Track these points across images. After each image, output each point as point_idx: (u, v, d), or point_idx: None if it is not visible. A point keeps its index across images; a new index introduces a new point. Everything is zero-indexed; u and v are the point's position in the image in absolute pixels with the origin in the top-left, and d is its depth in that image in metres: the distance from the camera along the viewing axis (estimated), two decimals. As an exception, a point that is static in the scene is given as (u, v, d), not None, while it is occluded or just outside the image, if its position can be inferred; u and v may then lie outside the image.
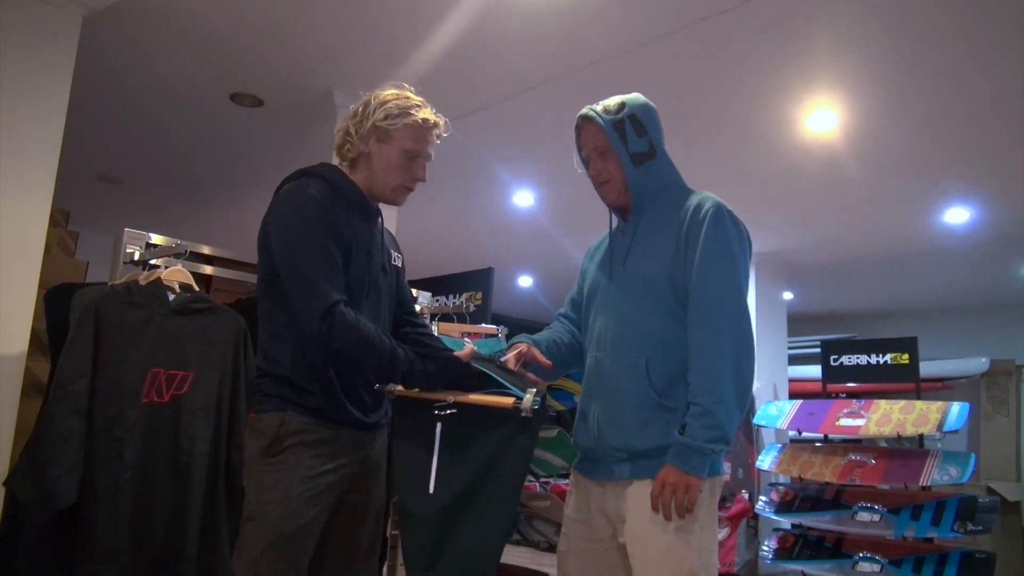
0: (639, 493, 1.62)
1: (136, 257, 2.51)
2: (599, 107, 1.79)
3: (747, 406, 1.64)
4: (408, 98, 1.85)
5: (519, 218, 5.69)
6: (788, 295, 7.16)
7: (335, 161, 1.91)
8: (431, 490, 1.74)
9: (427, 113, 1.84)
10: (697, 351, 1.61)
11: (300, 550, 1.67)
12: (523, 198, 5.27)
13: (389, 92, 1.85)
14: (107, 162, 5.00)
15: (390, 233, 2.05)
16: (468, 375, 1.78)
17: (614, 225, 1.89)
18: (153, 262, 2.50)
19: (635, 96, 1.81)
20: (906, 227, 5.56)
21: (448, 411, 1.75)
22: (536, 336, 1.92)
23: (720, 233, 1.67)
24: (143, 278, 2.30)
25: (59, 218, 3.31)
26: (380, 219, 1.96)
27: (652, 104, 1.83)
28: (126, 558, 2.06)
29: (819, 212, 5.38)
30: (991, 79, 3.43)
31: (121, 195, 5.58)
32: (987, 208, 5.10)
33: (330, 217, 1.72)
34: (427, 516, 1.74)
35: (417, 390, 1.81)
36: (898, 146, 4.20)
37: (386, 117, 1.80)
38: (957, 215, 5.20)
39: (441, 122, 1.87)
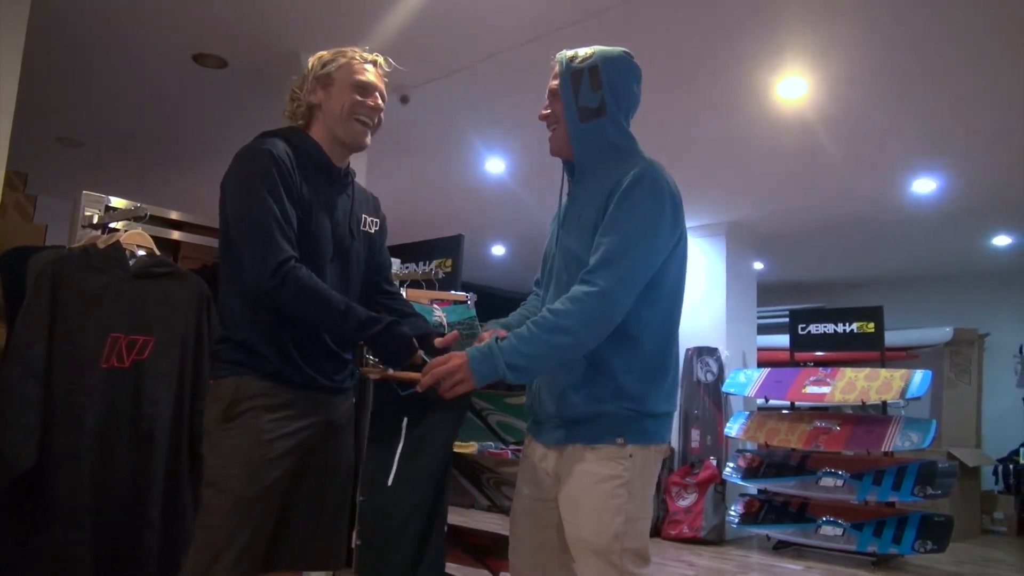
0: (573, 456, 1.63)
1: (95, 220, 2.45)
2: (571, 52, 1.74)
3: (561, 364, 1.60)
4: (342, 48, 1.88)
5: (491, 185, 5.65)
6: (758, 265, 7.22)
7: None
8: (389, 483, 1.74)
9: (361, 52, 1.87)
10: (550, 312, 1.55)
11: (262, 513, 1.65)
12: (494, 165, 5.23)
13: (325, 51, 1.89)
14: (67, 124, 4.87)
15: (372, 197, 2.03)
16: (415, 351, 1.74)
17: (564, 187, 1.84)
18: (113, 226, 2.44)
19: (613, 50, 1.73)
20: (875, 197, 5.61)
21: (406, 392, 1.73)
22: (508, 319, 1.89)
23: (627, 201, 1.59)
24: (102, 241, 2.24)
25: (16, 181, 3.22)
26: (351, 181, 1.93)
27: (634, 63, 1.74)
28: (87, 524, 2.03)
29: (789, 182, 5.41)
30: (962, 49, 3.45)
31: (82, 158, 5.44)
32: (953, 179, 5.16)
33: (284, 172, 1.70)
34: (382, 510, 1.75)
35: (384, 371, 1.79)
36: (867, 115, 4.22)
37: (324, 65, 1.83)
38: (924, 185, 5.25)
39: (380, 59, 1.89)
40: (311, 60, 1.87)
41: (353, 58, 1.84)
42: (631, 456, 1.59)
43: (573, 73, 1.69)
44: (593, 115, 1.68)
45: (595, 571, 1.59)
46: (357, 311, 1.68)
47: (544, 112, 1.77)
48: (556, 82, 1.73)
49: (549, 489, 1.70)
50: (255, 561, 1.65)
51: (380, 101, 1.88)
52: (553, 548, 1.71)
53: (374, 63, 1.88)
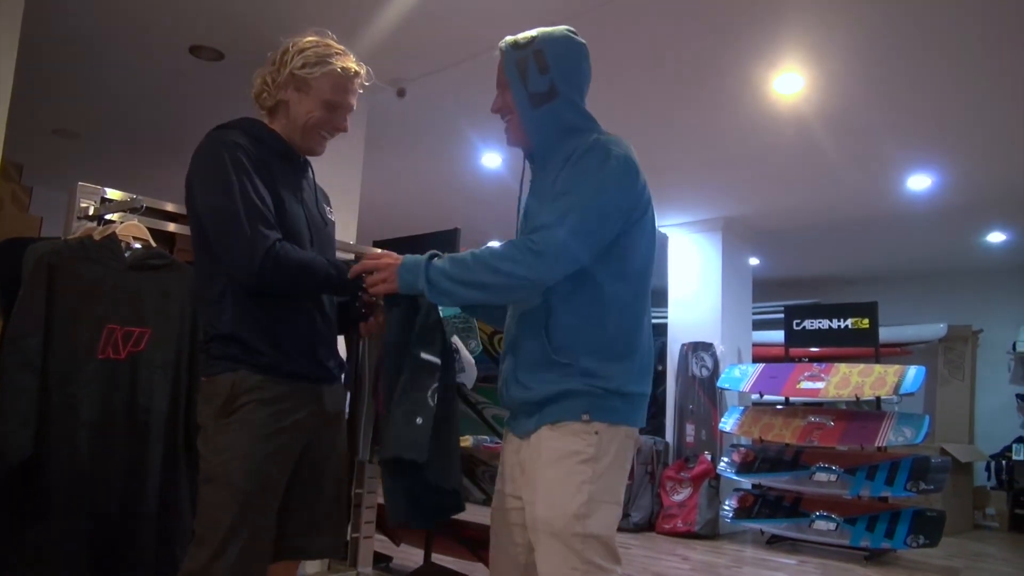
0: (538, 437, 1.56)
1: (91, 212, 2.44)
2: (512, 38, 1.66)
3: (489, 301, 1.62)
4: (328, 45, 1.78)
5: (487, 180, 5.65)
6: (754, 261, 7.23)
7: (255, 110, 1.84)
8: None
9: (347, 62, 1.77)
10: (489, 252, 1.51)
11: (263, 508, 1.63)
12: (491, 159, 5.23)
13: (308, 39, 1.78)
14: (63, 116, 4.85)
15: (320, 188, 1.98)
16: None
17: (526, 176, 1.78)
18: (109, 217, 2.44)
19: (555, 29, 1.66)
20: (870, 193, 5.63)
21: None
22: None
23: (578, 167, 1.54)
24: (98, 233, 2.24)
25: (12, 172, 3.22)
26: (310, 170, 1.90)
27: (579, 40, 1.67)
28: (83, 515, 2.03)
29: (786, 177, 5.41)
30: (958, 46, 3.46)
31: (78, 150, 5.43)
32: (948, 175, 5.18)
33: (252, 160, 1.67)
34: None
35: None
36: (863, 111, 4.23)
37: (303, 65, 1.73)
38: (920, 182, 5.27)
39: (363, 71, 1.81)
40: (292, 46, 1.76)
41: (335, 69, 1.75)
42: (596, 433, 1.50)
43: (518, 60, 1.63)
44: (544, 99, 1.62)
45: (553, 556, 1.48)
46: (341, 266, 1.70)
47: (495, 105, 1.72)
48: (500, 74, 1.68)
49: (519, 483, 1.62)
50: (260, 557, 1.63)
51: (347, 120, 1.84)
52: (524, 548, 1.62)
53: (357, 75, 1.80)
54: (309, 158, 1.90)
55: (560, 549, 1.47)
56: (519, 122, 1.67)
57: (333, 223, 1.95)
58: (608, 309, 1.56)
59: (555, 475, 1.50)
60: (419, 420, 1.62)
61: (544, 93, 1.61)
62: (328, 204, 1.97)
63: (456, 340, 2.75)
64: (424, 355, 1.67)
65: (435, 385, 1.67)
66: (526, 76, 1.62)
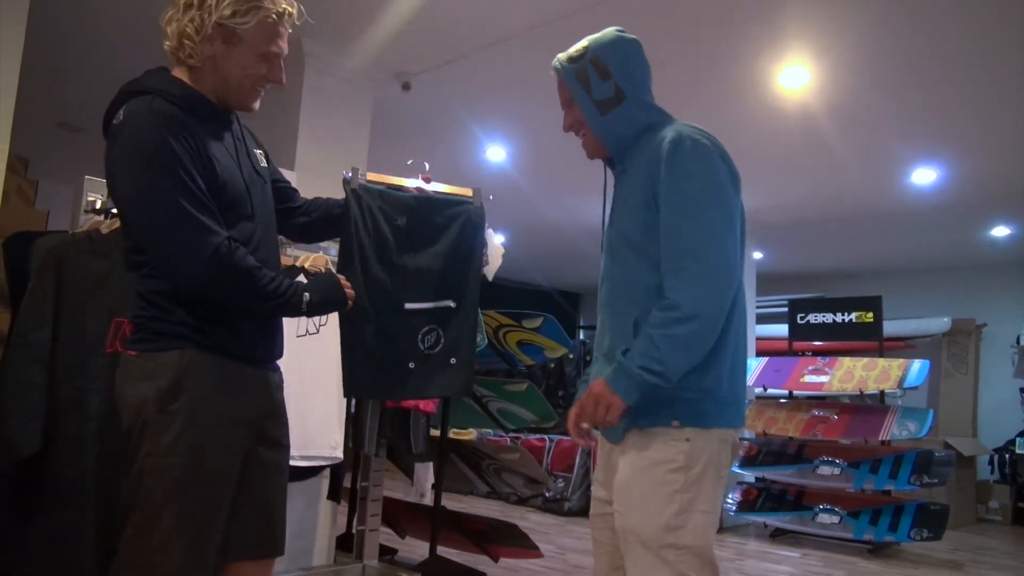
0: (628, 443, 1.55)
1: (97, 205, 2.45)
2: (564, 55, 1.67)
3: (699, 354, 1.50)
4: None
5: (491, 174, 5.64)
6: (757, 254, 7.23)
7: (172, 63, 1.61)
8: None
9: (279, 2, 1.58)
10: (660, 308, 1.49)
11: (212, 506, 1.50)
12: (495, 153, 5.23)
13: None
14: (68, 110, 4.86)
15: (248, 130, 1.79)
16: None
17: (609, 181, 1.77)
18: (115, 211, 2.45)
19: (604, 34, 1.66)
20: (875, 187, 5.61)
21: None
22: None
23: (677, 172, 1.54)
24: (105, 226, 2.25)
25: (17, 165, 3.23)
26: (236, 120, 1.71)
27: (629, 38, 1.67)
28: (90, 508, 2.05)
29: (790, 171, 5.40)
30: (964, 39, 3.44)
31: (84, 144, 5.43)
32: (953, 170, 5.16)
33: (183, 138, 1.48)
34: None
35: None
36: (869, 105, 4.21)
37: (233, 14, 1.52)
38: (924, 175, 5.26)
39: (293, 9, 1.62)
40: None
41: (269, 16, 1.55)
42: (688, 440, 1.48)
43: (578, 72, 1.64)
44: (613, 104, 1.64)
45: (643, 567, 1.45)
46: (284, 282, 1.58)
47: (566, 124, 1.73)
48: (564, 93, 1.69)
49: (610, 488, 1.60)
50: (206, 556, 1.50)
51: (283, 68, 1.65)
52: (618, 551, 1.59)
53: (290, 16, 1.61)
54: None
55: (652, 560, 1.45)
56: (593, 135, 1.68)
57: (266, 169, 1.78)
58: None
59: (645, 484, 1.48)
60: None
61: (611, 98, 1.63)
62: (258, 147, 1.78)
63: (489, 231, 2.87)
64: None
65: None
66: (589, 86, 1.63)
